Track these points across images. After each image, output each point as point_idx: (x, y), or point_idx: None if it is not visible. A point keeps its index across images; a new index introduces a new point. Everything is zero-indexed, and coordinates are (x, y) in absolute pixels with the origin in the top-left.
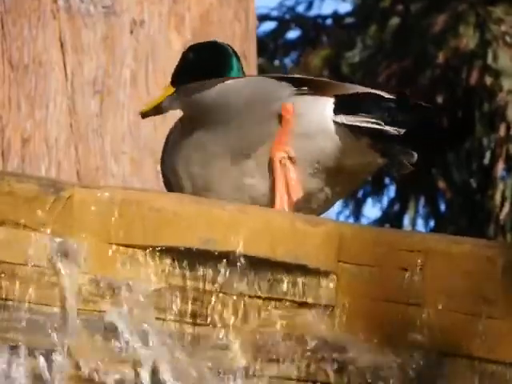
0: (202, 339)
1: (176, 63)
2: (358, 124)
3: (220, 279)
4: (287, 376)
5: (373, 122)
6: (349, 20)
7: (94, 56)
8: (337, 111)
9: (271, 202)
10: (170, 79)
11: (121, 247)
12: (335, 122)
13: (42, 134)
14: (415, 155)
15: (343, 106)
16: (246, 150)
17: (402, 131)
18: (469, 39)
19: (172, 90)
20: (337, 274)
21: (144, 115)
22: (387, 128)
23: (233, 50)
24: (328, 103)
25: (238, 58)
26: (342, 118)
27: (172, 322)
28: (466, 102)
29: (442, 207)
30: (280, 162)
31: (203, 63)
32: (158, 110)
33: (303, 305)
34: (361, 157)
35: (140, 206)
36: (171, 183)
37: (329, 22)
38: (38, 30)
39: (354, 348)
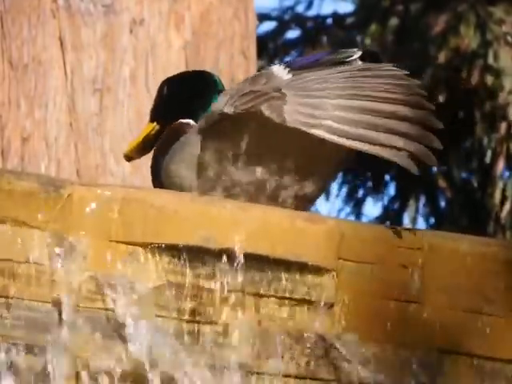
0: (202, 336)
1: (176, 62)
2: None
3: (220, 277)
4: (287, 373)
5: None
6: (349, 20)
7: (94, 55)
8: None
9: None
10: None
11: (121, 245)
12: None
13: (42, 133)
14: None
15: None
16: None
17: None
18: (470, 39)
19: (152, 126)
20: (337, 271)
21: (129, 158)
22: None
23: (210, 72)
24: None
25: (219, 79)
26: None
27: (172, 319)
28: (467, 101)
29: (442, 205)
30: None
31: (185, 93)
32: (143, 149)
33: (303, 302)
34: None
35: (140, 204)
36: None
37: (329, 21)
38: (37, 29)
39: (354, 345)
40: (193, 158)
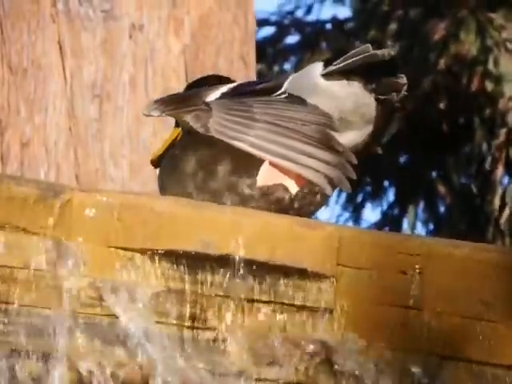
0: (201, 343)
1: (175, 68)
2: (346, 63)
3: (219, 283)
4: (286, 380)
5: (360, 54)
6: (348, 25)
7: (93, 60)
8: (326, 66)
9: None
10: (169, 83)
11: (120, 251)
12: (325, 75)
13: (41, 138)
14: (404, 80)
15: (333, 60)
16: None
17: (392, 52)
18: (470, 45)
19: (177, 131)
20: (336, 277)
21: (156, 164)
22: (377, 52)
23: (228, 77)
24: (317, 65)
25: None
26: (331, 68)
27: (171, 325)
28: (467, 107)
29: (442, 211)
30: None
31: None
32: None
33: (302, 308)
34: (357, 101)
35: (139, 210)
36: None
37: (328, 26)
38: (37, 34)
39: (353, 351)
40: (173, 168)
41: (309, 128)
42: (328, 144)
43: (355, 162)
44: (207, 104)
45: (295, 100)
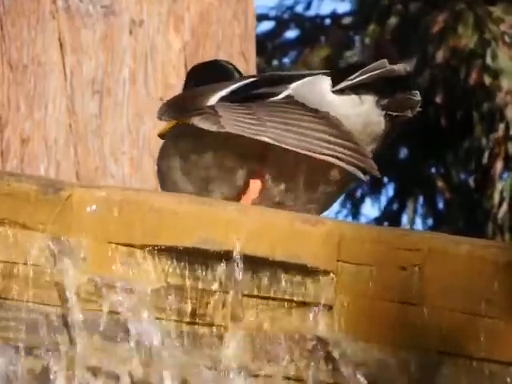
0: (201, 338)
1: (175, 63)
2: (362, 79)
3: (219, 279)
4: (286, 375)
5: (377, 69)
6: (348, 20)
7: (93, 56)
8: (335, 81)
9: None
10: (169, 79)
11: (120, 246)
12: (335, 92)
13: (41, 134)
14: (418, 96)
15: (341, 75)
16: None
17: (408, 68)
18: (468, 39)
19: None
20: (336, 273)
21: (163, 137)
22: (393, 67)
23: (233, 65)
24: (323, 79)
25: (239, 72)
26: (342, 84)
27: (171, 321)
28: (465, 102)
29: (441, 206)
30: None
31: (209, 80)
32: None
33: (302, 304)
34: (366, 121)
35: (139, 206)
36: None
37: (327, 21)
38: (37, 31)
39: (353, 347)
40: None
41: (318, 135)
42: (344, 137)
43: (370, 156)
44: (211, 107)
45: (295, 102)
